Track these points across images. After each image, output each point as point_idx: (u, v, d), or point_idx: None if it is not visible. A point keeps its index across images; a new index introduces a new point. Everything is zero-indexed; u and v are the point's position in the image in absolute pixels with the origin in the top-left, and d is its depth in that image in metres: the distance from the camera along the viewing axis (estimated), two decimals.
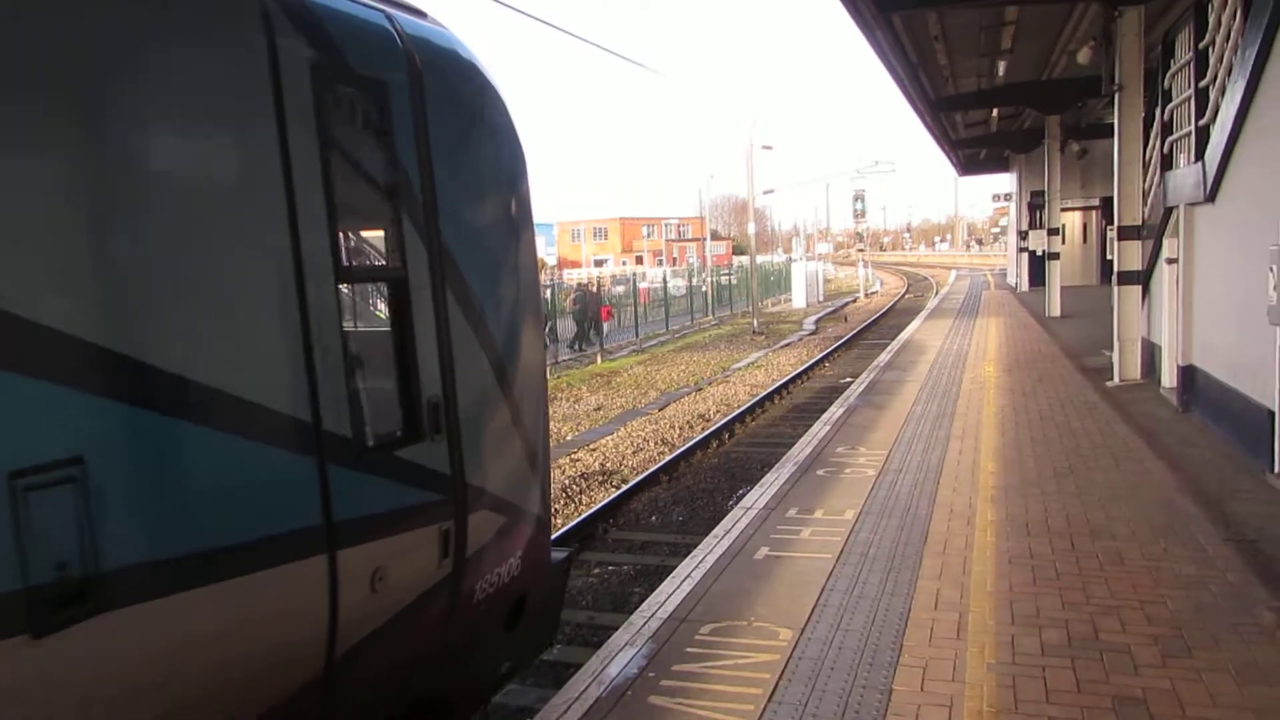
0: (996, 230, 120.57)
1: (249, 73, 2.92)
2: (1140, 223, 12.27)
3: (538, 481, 4.27)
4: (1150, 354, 12.08)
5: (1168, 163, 11.16)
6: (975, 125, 28.97)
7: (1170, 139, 10.98)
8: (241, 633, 2.77)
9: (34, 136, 2.35)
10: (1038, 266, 28.02)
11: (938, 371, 14.23)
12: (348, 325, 3.11)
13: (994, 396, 11.72)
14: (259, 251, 2.92)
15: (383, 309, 3.44)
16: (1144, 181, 12.44)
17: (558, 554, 4.72)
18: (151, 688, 2.47)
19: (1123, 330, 12.42)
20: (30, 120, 2.35)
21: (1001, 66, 17.85)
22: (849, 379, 17.25)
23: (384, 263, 3.38)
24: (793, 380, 18.17)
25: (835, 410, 11.36)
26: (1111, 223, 12.75)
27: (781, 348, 24.25)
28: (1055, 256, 22.90)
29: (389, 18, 3.65)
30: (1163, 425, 9.52)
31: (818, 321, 32.53)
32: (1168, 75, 11.06)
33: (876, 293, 48.85)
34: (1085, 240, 32.42)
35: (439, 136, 3.71)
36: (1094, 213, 32.38)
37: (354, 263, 3.34)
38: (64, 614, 2.28)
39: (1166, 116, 11.15)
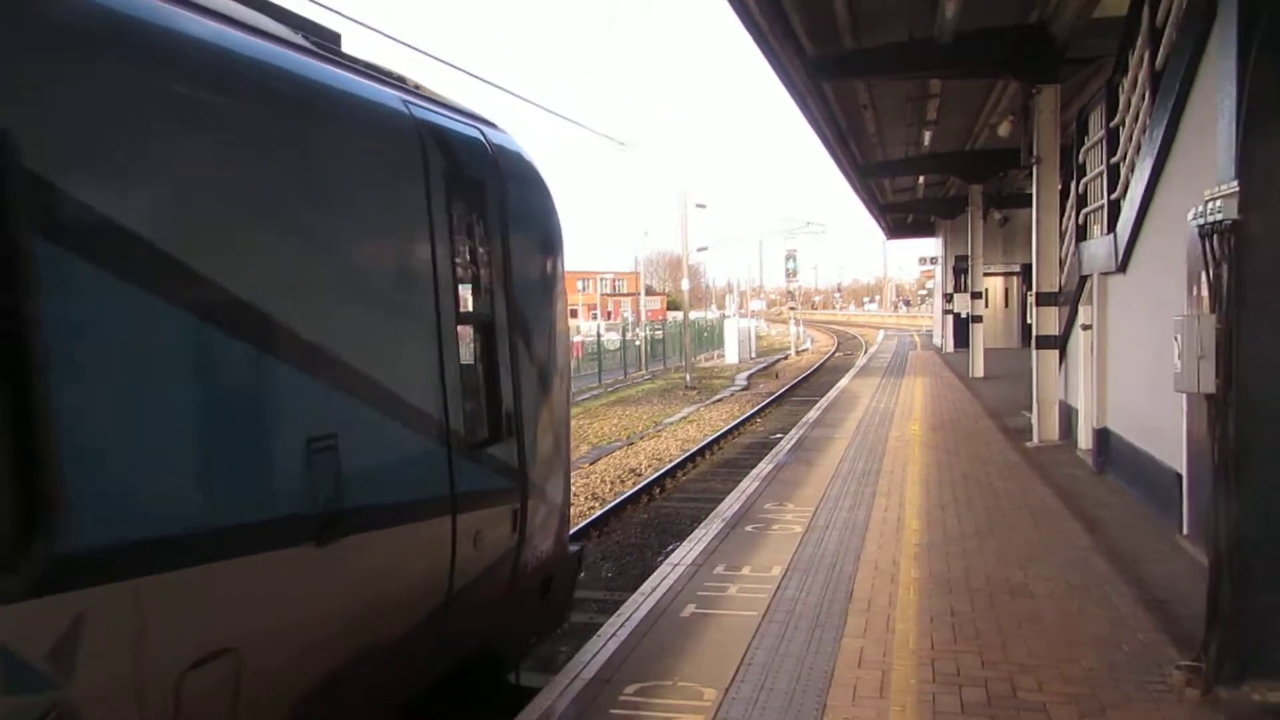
0: (923, 293, 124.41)
1: (414, 180, 4.45)
2: (1058, 289, 12.60)
3: (564, 483, 5.77)
4: (1068, 416, 12.32)
5: (1082, 233, 11.51)
6: (903, 191, 30.11)
7: (1084, 211, 11.33)
8: (412, 560, 4.27)
9: (329, 238, 3.89)
10: (962, 328, 28.62)
11: (865, 428, 14.38)
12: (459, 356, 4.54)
13: (919, 454, 11.84)
14: (422, 303, 4.41)
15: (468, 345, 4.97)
16: (1061, 250, 12.79)
17: (573, 547, 6.05)
18: (371, 590, 3.97)
19: (1041, 392, 12.67)
20: (324, 228, 3.86)
21: (927, 136, 18.40)
22: (779, 434, 17.32)
23: (477, 311, 4.98)
24: (724, 435, 18.12)
25: (765, 466, 11.36)
26: (1031, 288, 13.09)
27: (714, 403, 24.22)
28: (978, 319, 23.43)
29: (481, 131, 5.34)
30: (1080, 485, 9.68)
31: (750, 377, 32.67)
32: (1082, 150, 11.45)
33: (807, 350, 49.47)
34: (1007, 305, 33.19)
35: (512, 219, 5.32)
36: (1015, 278, 33.17)
37: (462, 310, 4.79)
38: (327, 533, 3.66)
39: (1081, 189, 11.49)
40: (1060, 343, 12.50)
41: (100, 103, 2.95)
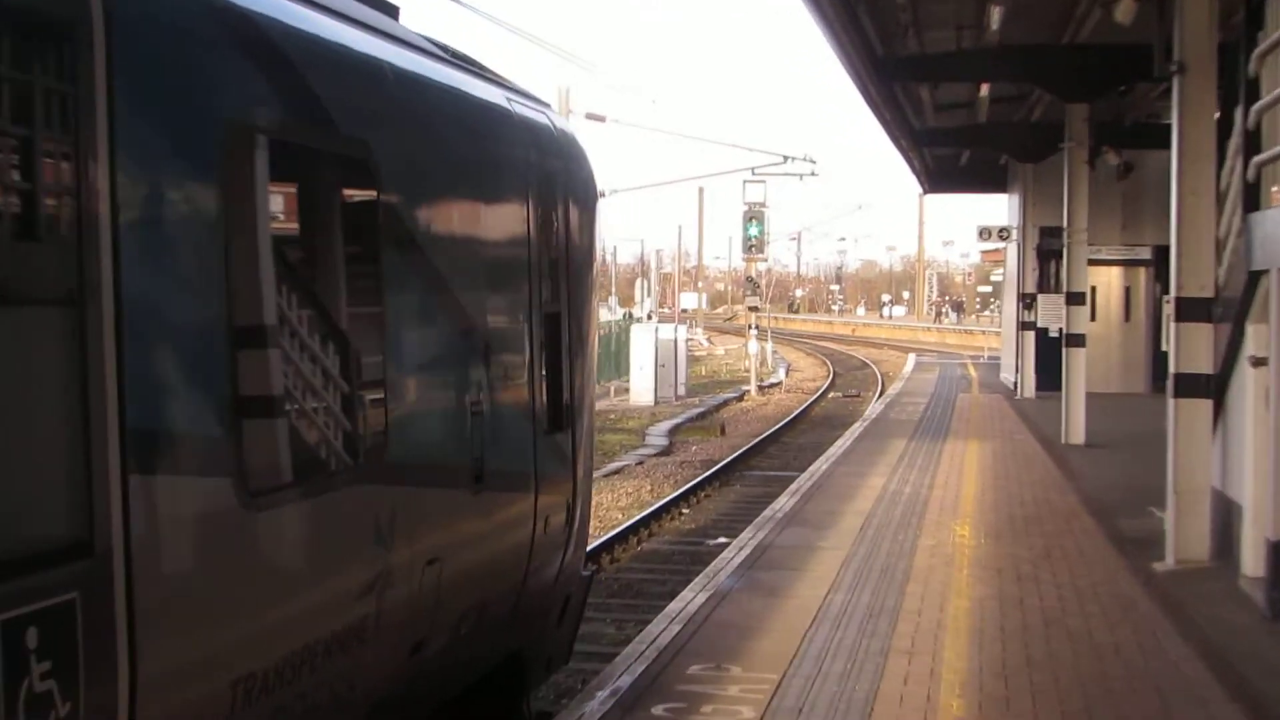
0: (986, 290, 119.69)
1: (522, 180, 7.93)
2: (1213, 294, 12.08)
3: (584, 504, 9.34)
4: (1225, 516, 11.87)
5: (1253, 197, 11.07)
6: (952, 109, 27.71)
7: (1260, 159, 10.78)
8: (514, 527, 7.73)
9: (485, 236, 7.55)
10: (1050, 355, 26.68)
11: (874, 533, 13.93)
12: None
13: (968, 581, 11.49)
14: (526, 292, 7.93)
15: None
16: (1220, 225, 12.40)
17: (584, 571, 9.82)
18: (490, 544, 7.37)
19: (1181, 475, 12.03)
20: (481, 230, 7.54)
21: (996, 14, 17.03)
22: (722, 539, 16.70)
23: (549, 300, 8.36)
24: (617, 540, 17.34)
25: (693, 596, 10.92)
26: (1168, 291, 12.68)
27: (605, 478, 23.10)
28: (1079, 341, 22.74)
29: (549, 118, 8.74)
30: (1242, 643, 9.32)
31: (674, 432, 31.27)
32: (1255, 55, 10.83)
33: (779, 385, 47.24)
34: (1128, 317, 32.27)
35: (573, 208, 8.76)
36: (1142, 271, 31.60)
37: (544, 299, 8.29)
38: (478, 484, 7.03)
39: (1253, 121, 10.92)
40: (1215, 387, 12.01)
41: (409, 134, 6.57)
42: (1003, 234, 34.37)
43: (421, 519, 6.30)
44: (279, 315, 5.07)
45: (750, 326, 46.84)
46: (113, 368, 4.10)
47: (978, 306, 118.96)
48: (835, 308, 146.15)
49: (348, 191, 6.20)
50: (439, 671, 6.95)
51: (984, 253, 52.76)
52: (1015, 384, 32.11)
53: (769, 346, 56.46)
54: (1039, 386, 29.47)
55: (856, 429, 24.82)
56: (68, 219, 4.00)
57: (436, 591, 6.41)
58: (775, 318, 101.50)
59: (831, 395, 42.50)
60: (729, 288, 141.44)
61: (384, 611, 5.85)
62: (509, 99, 8.03)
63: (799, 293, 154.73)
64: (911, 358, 55.12)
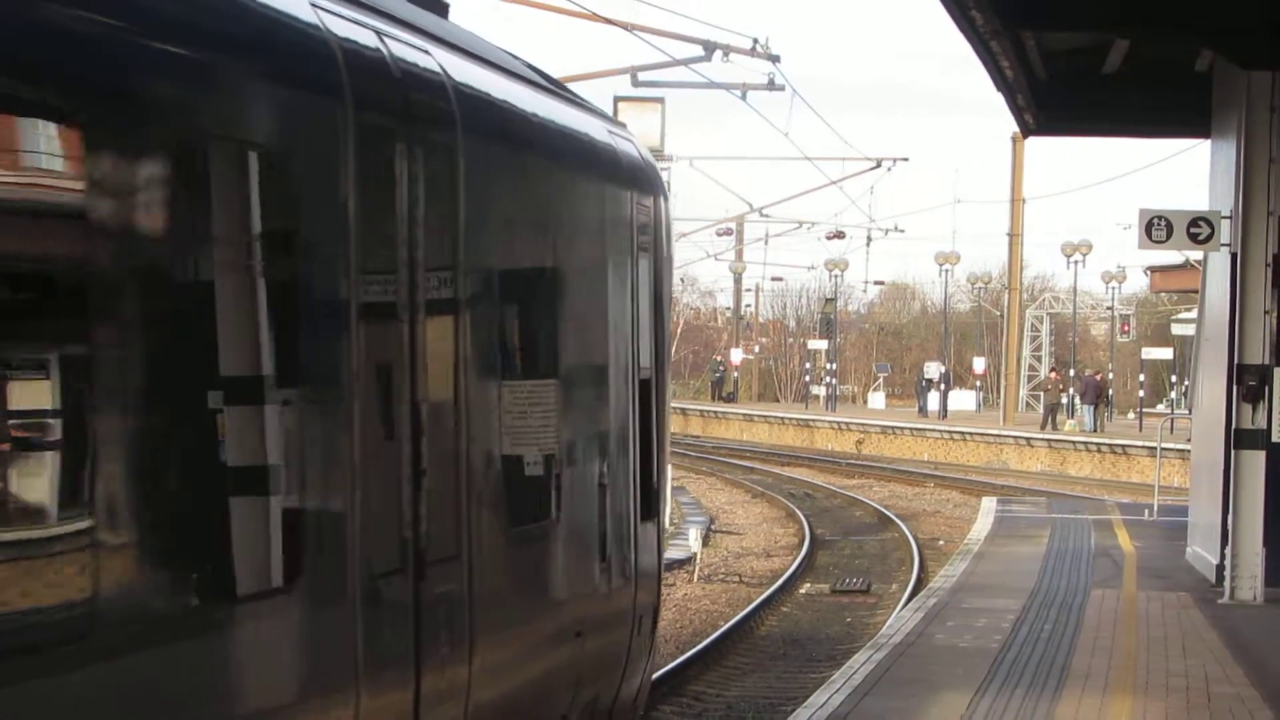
0: (1158, 357, 67.75)
1: (627, 225, 8.96)
2: None
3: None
4: None
5: None
6: None
7: None
8: (619, 617, 8.85)
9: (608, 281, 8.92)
10: None
11: None
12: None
13: None
14: (629, 360, 8.93)
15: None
16: None
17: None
18: (612, 630, 8.67)
19: None
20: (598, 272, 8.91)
21: None
22: None
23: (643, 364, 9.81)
24: None
25: None
26: None
27: None
28: None
29: (635, 147, 9.50)
30: None
31: None
32: None
33: (685, 566, 32.36)
34: None
35: (665, 252, 9.99)
36: None
37: (642, 365, 9.69)
38: (603, 563, 8.41)
39: None
40: None
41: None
42: (1196, 232, 21.10)
43: (576, 585, 8.00)
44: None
45: None
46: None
47: (1140, 394, 65.67)
48: (821, 388, 79.57)
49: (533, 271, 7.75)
50: None
51: (1154, 274, 29.73)
52: (1221, 569, 20.18)
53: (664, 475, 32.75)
54: (1274, 577, 19.01)
55: (860, 669, 14.90)
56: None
57: (577, 668, 7.90)
58: (682, 411, 66.65)
59: (806, 589, 26.74)
60: None
61: (574, 664, 8.02)
62: (611, 132, 9.04)
63: (738, 356, 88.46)
64: (988, 507, 34.29)
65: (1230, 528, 19.72)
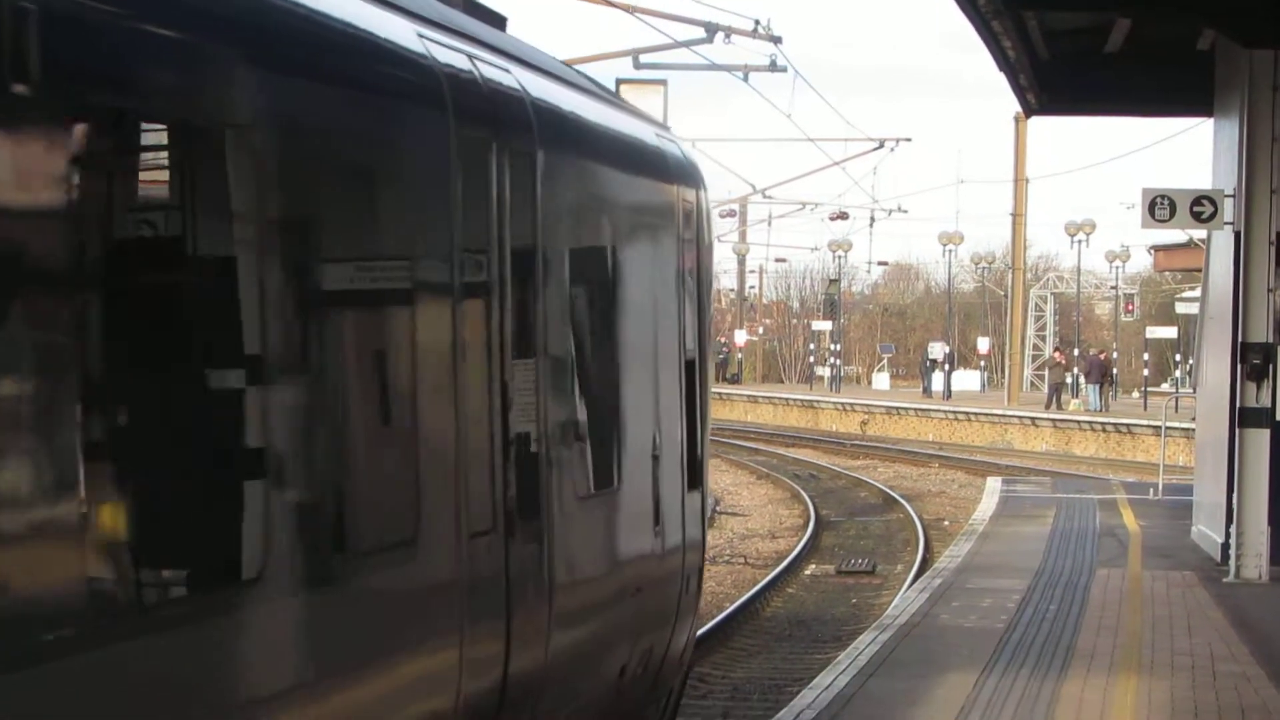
0: (1162, 335, 68.31)
1: (675, 224, 10.06)
2: None
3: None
4: None
5: None
6: None
7: None
8: (670, 576, 9.91)
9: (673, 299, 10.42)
10: None
11: None
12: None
13: None
14: (678, 340, 10.01)
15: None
16: None
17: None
18: (663, 588, 9.82)
19: None
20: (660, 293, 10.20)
21: None
22: None
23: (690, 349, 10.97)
24: None
25: None
26: None
27: None
28: None
29: (679, 147, 10.72)
30: None
31: None
32: None
33: None
34: None
35: (706, 242, 10.74)
36: None
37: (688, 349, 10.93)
38: (656, 526, 9.48)
39: None
40: None
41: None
42: (1199, 211, 21.06)
43: (636, 546, 9.06)
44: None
45: None
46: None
47: (1145, 373, 65.78)
48: (826, 369, 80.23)
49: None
50: (613, 705, 9.07)
51: (1157, 253, 29.63)
52: (1226, 547, 20.15)
53: None
54: (1279, 555, 19.29)
55: (865, 649, 14.93)
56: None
57: (636, 620, 8.98)
58: None
59: (811, 570, 26.57)
60: None
61: (636, 614, 9.03)
62: (658, 134, 10.08)
63: (742, 337, 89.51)
64: (993, 487, 34.33)
65: (1235, 506, 19.78)
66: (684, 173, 10.09)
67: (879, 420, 64.04)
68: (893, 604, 19.61)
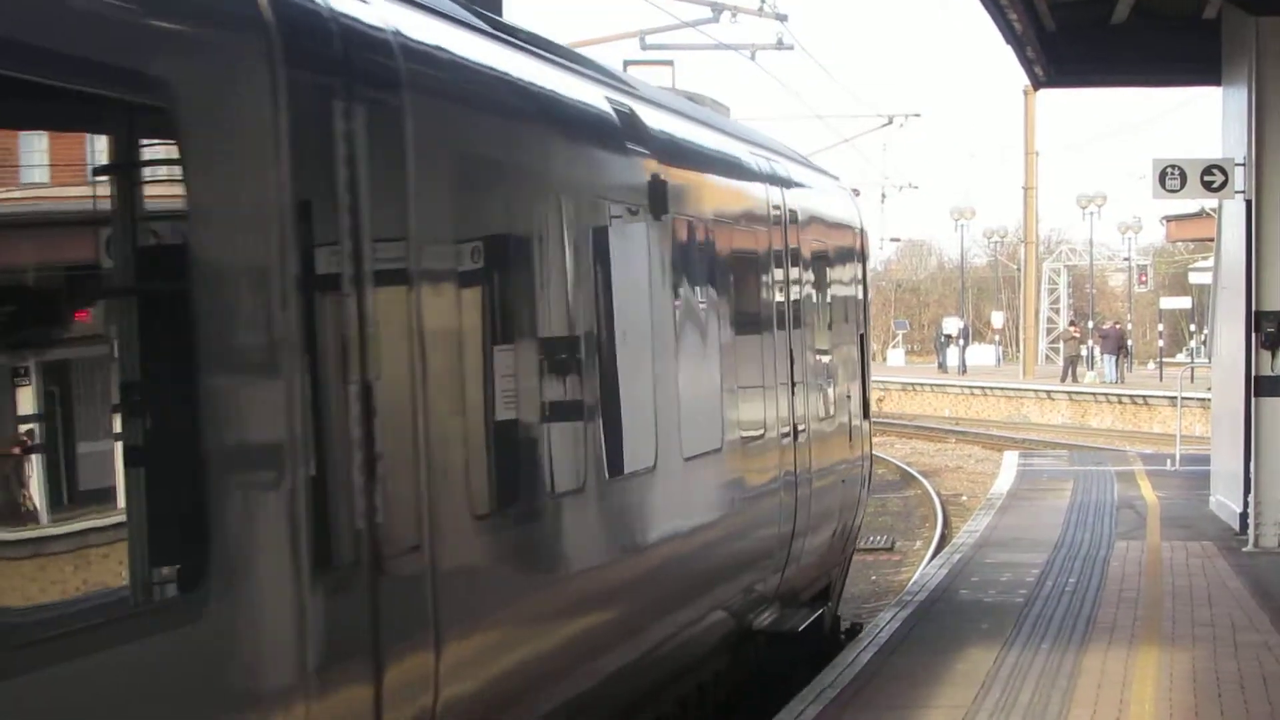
0: (1177, 306, 67.54)
1: (857, 260, 16.75)
2: None
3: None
4: None
5: None
6: None
7: None
8: (859, 462, 16.27)
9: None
10: None
11: None
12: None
13: None
14: (860, 317, 16.85)
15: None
16: None
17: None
18: (856, 470, 16.45)
19: None
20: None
21: None
22: None
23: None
24: None
25: None
26: None
27: None
28: None
29: (840, 184, 17.84)
30: None
31: None
32: None
33: None
34: None
35: (865, 249, 17.71)
36: None
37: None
38: (850, 440, 15.88)
39: None
40: None
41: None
42: (1210, 180, 20.62)
43: (844, 452, 14.43)
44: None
45: None
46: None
47: (1160, 344, 64.34)
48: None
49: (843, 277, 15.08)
50: (819, 564, 14.12)
51: (1169, 223, 29.26)
52: (1245, 518, 19.85)
53: None
54: None
55: (887, 626, 14.89)
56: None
57: (842, 499, 14.41)
58: None
59: None
60: None
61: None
62: (839, 187, 16.18)
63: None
64: (1010, 461, 33.62)
65: (1252, 475, 19.65)
66: (859, 213, 16.26)
67: (894, 396, 63.78)
68: (912, 580, 19.63)
